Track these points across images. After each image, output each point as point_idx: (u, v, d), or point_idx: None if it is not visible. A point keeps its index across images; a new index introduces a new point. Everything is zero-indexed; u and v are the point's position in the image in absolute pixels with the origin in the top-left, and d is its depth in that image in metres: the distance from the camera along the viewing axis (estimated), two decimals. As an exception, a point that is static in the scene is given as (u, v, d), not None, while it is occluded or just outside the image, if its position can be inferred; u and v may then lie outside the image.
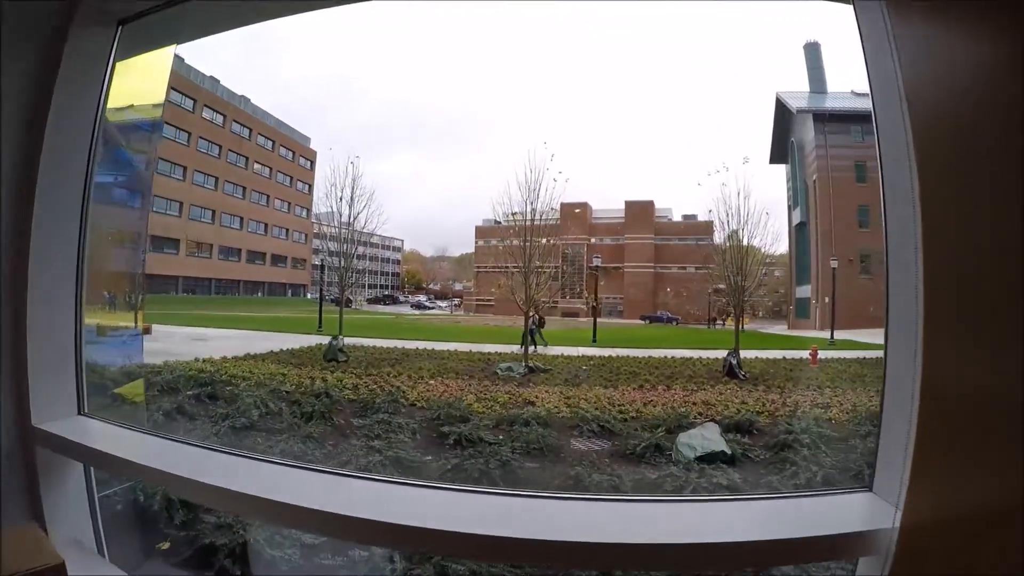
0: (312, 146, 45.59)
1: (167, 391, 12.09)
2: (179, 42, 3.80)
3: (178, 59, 37.73)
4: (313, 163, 44.04)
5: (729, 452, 8.93)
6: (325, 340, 19.81)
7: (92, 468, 3.07)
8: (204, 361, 16.65)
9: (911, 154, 1.81)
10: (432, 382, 15.21)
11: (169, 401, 10.75)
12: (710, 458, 8.70)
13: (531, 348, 21.95)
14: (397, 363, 18.11)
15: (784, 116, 41.40)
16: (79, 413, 3.15)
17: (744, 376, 16.97)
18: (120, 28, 3.14)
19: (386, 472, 7.71)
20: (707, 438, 9.33)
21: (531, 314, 26.12)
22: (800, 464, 8.13)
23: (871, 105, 2.14)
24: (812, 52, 42.43)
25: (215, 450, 2.70)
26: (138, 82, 3.94)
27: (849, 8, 2.21)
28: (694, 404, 13.40)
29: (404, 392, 13.56)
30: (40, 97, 2.89)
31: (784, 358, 20.91)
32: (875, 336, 26.97)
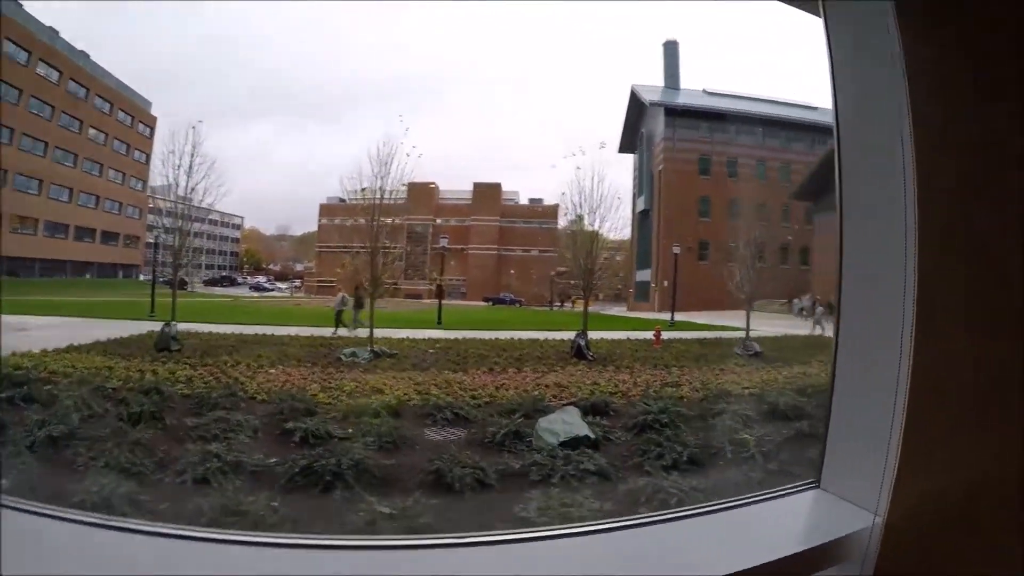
0: (153, 112, 41.71)
1: None
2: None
3: (14, 4, 33.32)
4: (153, 130, 40.22)
5: (593, 436, 8.77)
6: (158, 326, 18.14)
7: None
8: (22, 356, 14.62)
9: (909, 159, 1.76)
10: (273, 371, 14.17)
11: None
12: (573, 443, 8.49)
13: (342, 330, 21.63)
14: (235, 351, 16.81)
15: (637, 108, 42.90)
16: None
17: (592, 357, 17.11)
18: None
19: (227, 480, 6.89)
20: (568, 422, 9.12)
21: (340, 292, 25.46)
22: (665, 445, 8.06)
23: (833, 110, 2.10)
24: (670, 50, 44.22)
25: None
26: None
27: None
28: (547, 387, 13.28)
29: (243, 384, 12.48)
30: None
31: (628, 339, 21.42)
32: (712, 318, 28.36)
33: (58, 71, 36.17)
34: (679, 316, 28.15)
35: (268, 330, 21.39)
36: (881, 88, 1.81)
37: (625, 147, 44.30)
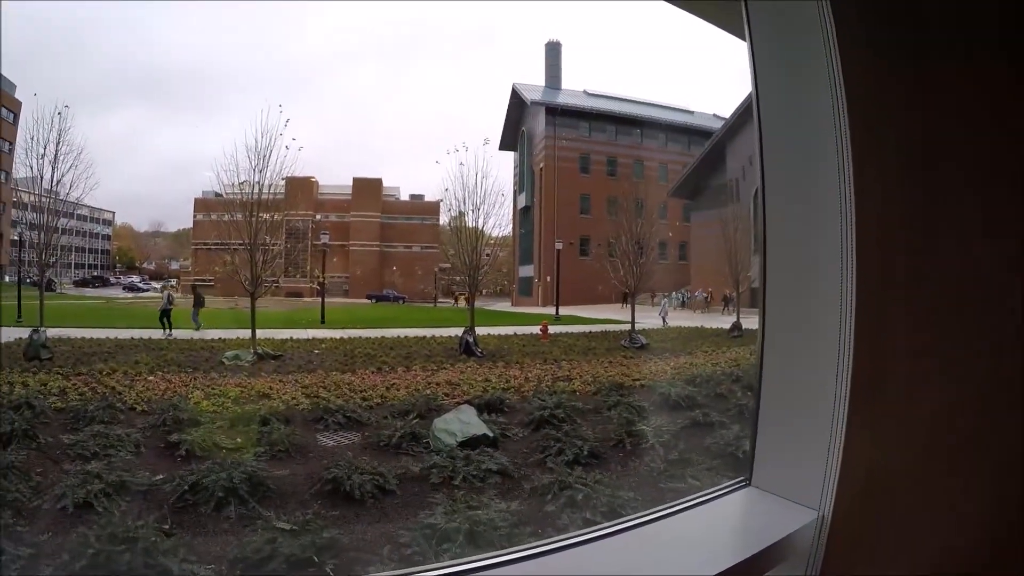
0: (18, 95, 38.16)
1: None
2: None
3: None
4: (17, 116, 36.96)
5: (491, 435, 8.74)
6: (25, 333, 16.78)
7: None
8: None
9: (846, 155, 1.73)
10: (152, 379, 13.32)
11: None
12: (472, 442, 8.44)
13: (169, 332, 20.56)
14: (111, 357, 15.72)
15: (519, 106, 43.35)
16: None
17: (481, 353, 17.15)
18: None
19: (111, 503, 6.44)
20: (465, 422, 9.05)
21: (167, 291, 24.42)
22: (565, 440, 8.14)
23: (755, 107, 2.00)
24: (552, 51, 44.96)
25: None
26: None
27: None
28: (438, 385, 13.16)
29: (121, 394, 11.69)
30: None
31: (515, 334, 21.62)
32: (595, 311, 29.10)
33: None
34: (563, 310, 28.68)
35: (145, 334, 20.28)
36: (810, 72, 1.79)
37: (507, 144, 44.73)
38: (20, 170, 25.05)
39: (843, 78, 1.69)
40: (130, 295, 36.14)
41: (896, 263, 1.87)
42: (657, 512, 1.94)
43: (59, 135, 18.48)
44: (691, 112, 40.68)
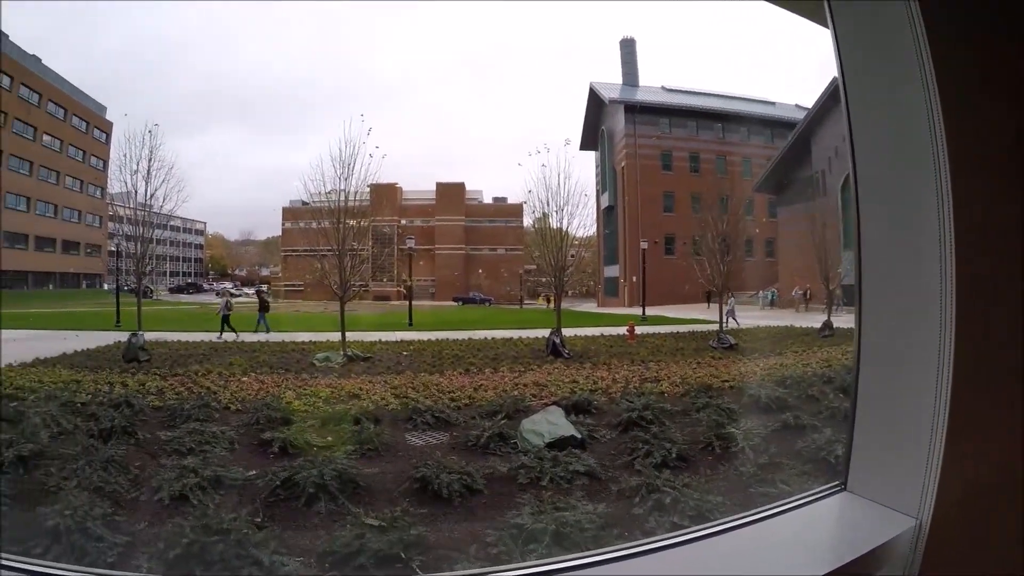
0: (109, 117, 40.60)
1: None
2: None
3: None
4: (109, 136, 39.29)
5: (579, 436, 8.71)
6: (124, 336, 17.73)
7: None
8: None
9: (941, 152, 1.68)
10: (245, 379, 13.87)
11: None
12: (560, 444, 8.44)
13: (233, 335, 21.51)
14: (205, 359, 16.49)
15: (597, 106, 43.18)
16: None
17: (568, 355, 17.12)
18: None
19: (206, 496, 6.71)
20: (553, 423, 9.04)
21: (225, 297, 25.21)
22: (653, 442, 8.04)
23: (844, 105, 1.94)
24: (627, 47, 44.63)
25: None
26: None
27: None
28: (526, 386, 13.18)
29: (216, 393, 12.20)
30: None
31: (602, 335, 21.49)
32: (682, 311, 28.64)
33: (8, 76, 35.21)
34: (650, 310, 28.34)
35: (239, 336, 21.14)
36: (898, 69, 1.74)
37: (587, 144, 44.60)
38: (115, 185, 26.55)
39: (935, 74, 1.64)
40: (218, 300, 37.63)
41: (999, 264, 1.80)
42: (750, 516, 1.93)
43: (150, 152, 19.64)
44: (772, 103, 39.50)
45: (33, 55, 36.68)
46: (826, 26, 1.92)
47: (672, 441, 8.09)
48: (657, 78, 44.93)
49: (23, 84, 35.91)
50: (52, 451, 8.19)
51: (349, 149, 19.24)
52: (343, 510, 6.43)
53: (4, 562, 2.04)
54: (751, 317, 26.29)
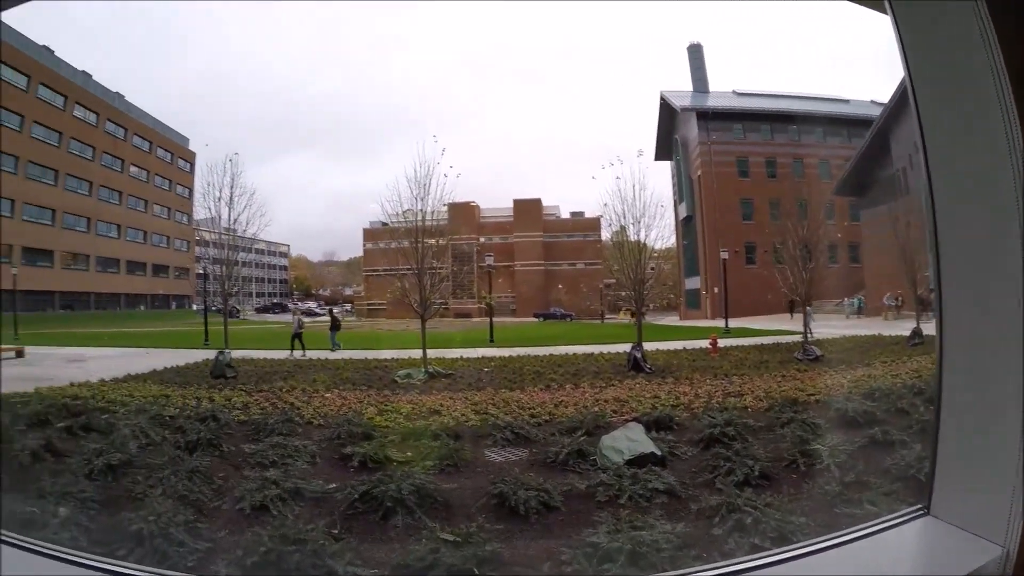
0: (191, 147, 42.91)
1: (37, 424, 10.64)
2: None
3: (47, 51, 34.88)
4: (193, 165, 41.57)
5: (659, 453, 8.54)
6: (212, 354, 18.46)
7: None
8: (80, 386, 14.99)
9: (1016, 150, 1.58)
10: (328, 395, 14.26)
11: (36, 437, 9.38)
12: (639, 461, 8.28)
13: (301, 353, 22.08)
14: (289, 376, 17.04)
15: (669, 114, 42.74)
16: None
17: (650, 369, 16.89)
18: None
19: (285, 507, 6.87)
20: (633, 439, 8.88)
21: (297, 315, 25.79)
22: (734, 460, 7.79)
23: (913, 104, 1.87)
24: (695, 53, 44.05)
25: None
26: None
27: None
28: (606, 402, 13.03)
29: (299, 409, 12.55)
30: None
31: (684, 348, 21.13)
32: (766, 322, 27.90)
33: (95, 113, 37.53)
34: (732, 322, 27.69)
35: (322, 354, 21.64)
36: (972, 75, 1.65)
37: (661, 154, 44.11)
38: (200, 212, 27.94)
39: (1006, 72, 1.55)
40: (307, 319, 38.72)
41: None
42: (828, 540, 1.89)
43: (231, 179, 20.62)
44: (847, 101, 37.99)
45: (116, 92, 38.97)
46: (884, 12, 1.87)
47: (754, 458, 7.82)
48: (726, 82, 44.01)
49: (109, 120, 38.22)
50: (140, 460, 8.56)
51: (424, 169, 19.60)
52: (419, 524, 6.48)
53: (4, 538, 2.11)
54: (837, 326, 25.35)
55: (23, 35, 31.90)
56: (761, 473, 7.44)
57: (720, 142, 39.26)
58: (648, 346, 18.92)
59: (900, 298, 27.44)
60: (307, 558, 5.29)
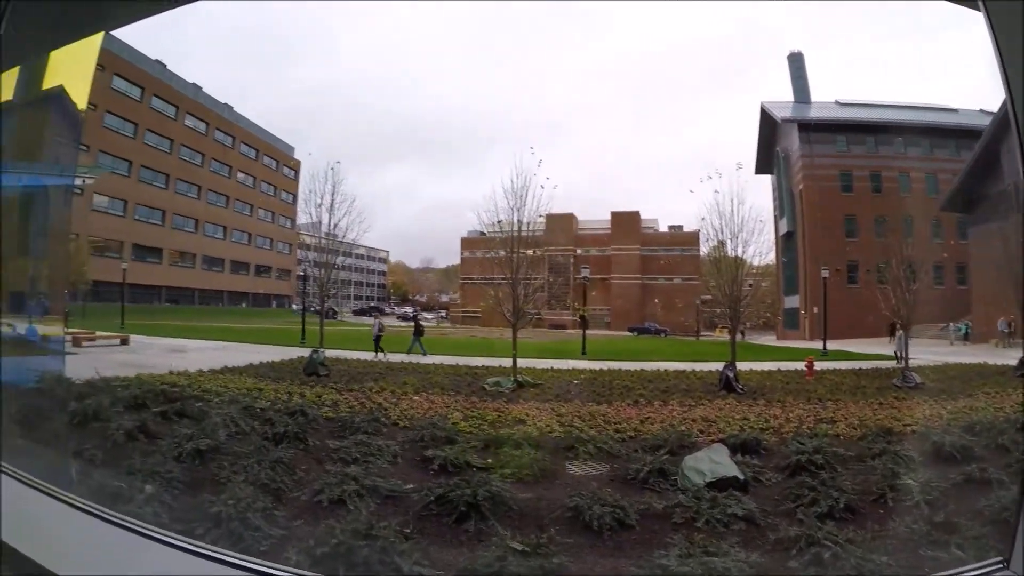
0: (296, 156, 44.84)
1: (134, 407, 11.28)
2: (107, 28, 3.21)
3: (159, 65, 37.39)
4: (297, 173, 43.53)
5: (742, 478, 8.28)
6: (307, 352, 19.12)
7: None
8: (178, 374, 15.87)
9: None
10: (416, 398, 14.53)
11: (132, 419, 9.92)
12: (721, 484, 8.04)
13: (382, 355, 22.49)
14: (380, 377, 17.46)
15: (769, 126, 41.41)
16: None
17: (742, 390, 16.41)
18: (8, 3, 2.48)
19: (362, 502, 7.02)
20: (716, 461, 8.65)
21: (377, 319, 26.04)
22: (819, 490, 7.46)
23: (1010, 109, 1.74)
24: (795, 63, 42.58)
25: (158, 538, 2.00)
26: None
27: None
28: (694, 421, 12.76)
29: (386, 410, 12.84)
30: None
31: (779, 370, 20.43)
32: (866, 346, 26.65)
33: (205, 122, 39.83)
34: (831, 344, 26.54)
35: (414, 358, 22.06)
36: None
37: (761, 167, 42.74)
38: (302, 217, 29.20)
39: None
40: (403, 324, 39.39)
41: None
42: None
43: (333, 187, 21.44)
44: (954, 110, 35.63)
45: (225, 103, 41.14)
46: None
47: (841, 489, 7.46)
48: (827, 92, 42.29)
49: (218, 129, 40.53)
50: (227, 448, 8.92)
51: (520, 180, 19.70)
52: (491, 531, 6.50)
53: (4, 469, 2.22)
54: (940, 353, 23.90)
55: (137, 50, 34.21)
56: (846, 506, 7.10)
57: (822, 155, 37.63)
58: (742, 366, 18.41)
59: (1012, 324, 25.57)
60: (375, 554, 5.39)
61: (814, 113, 39.66)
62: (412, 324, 28.72)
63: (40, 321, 12.56)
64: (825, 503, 7.13)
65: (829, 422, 12.40)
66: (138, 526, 2.13)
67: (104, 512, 2.20)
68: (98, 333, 23.34)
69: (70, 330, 21.26)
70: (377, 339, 23.41)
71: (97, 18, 2.84)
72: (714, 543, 6.03)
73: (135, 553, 1.93)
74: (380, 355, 22.70)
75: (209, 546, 2.00)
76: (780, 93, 44.31)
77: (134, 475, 7.18)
